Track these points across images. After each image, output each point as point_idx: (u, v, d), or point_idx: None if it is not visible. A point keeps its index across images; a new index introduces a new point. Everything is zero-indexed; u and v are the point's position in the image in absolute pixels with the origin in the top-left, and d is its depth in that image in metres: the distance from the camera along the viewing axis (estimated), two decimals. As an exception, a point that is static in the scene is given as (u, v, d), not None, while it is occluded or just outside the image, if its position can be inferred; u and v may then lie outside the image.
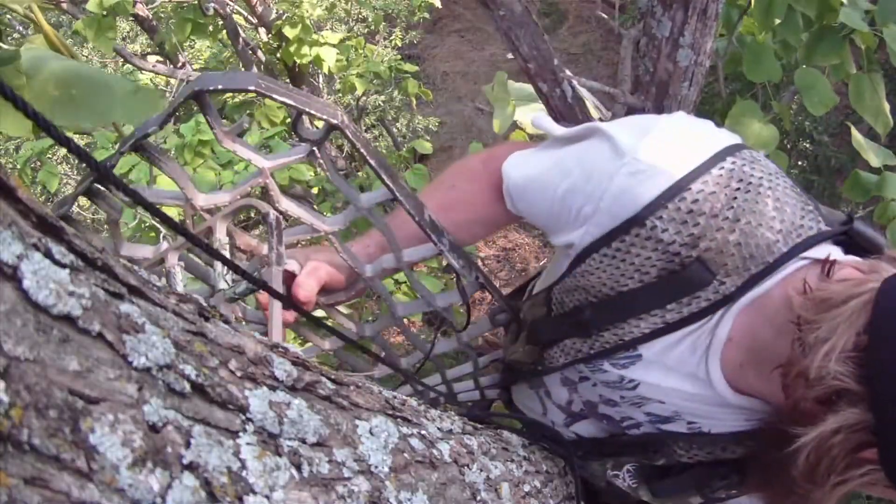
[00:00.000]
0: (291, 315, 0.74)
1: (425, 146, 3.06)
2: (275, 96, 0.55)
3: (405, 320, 0.84)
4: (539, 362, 0.84)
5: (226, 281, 0.69)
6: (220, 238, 0.67)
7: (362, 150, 0.60)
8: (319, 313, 0.90)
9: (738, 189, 0.64)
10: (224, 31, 2.87)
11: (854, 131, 1.55)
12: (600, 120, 1.12)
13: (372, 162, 0.61)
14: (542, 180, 0.75)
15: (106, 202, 0.63)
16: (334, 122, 0.58)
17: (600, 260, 0.68)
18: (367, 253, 0.79)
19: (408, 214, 0.66)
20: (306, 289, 0.73)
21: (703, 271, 0.64)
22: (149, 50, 4.30)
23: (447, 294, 0.80)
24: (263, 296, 0.74)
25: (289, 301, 0.57)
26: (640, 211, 0.64)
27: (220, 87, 0.56)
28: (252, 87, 0.55)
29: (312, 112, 0.57)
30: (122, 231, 0.73)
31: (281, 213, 0.67)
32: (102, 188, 0.62)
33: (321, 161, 0.63)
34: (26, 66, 0.53)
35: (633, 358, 0.73)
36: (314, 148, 0.62)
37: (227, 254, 0.68)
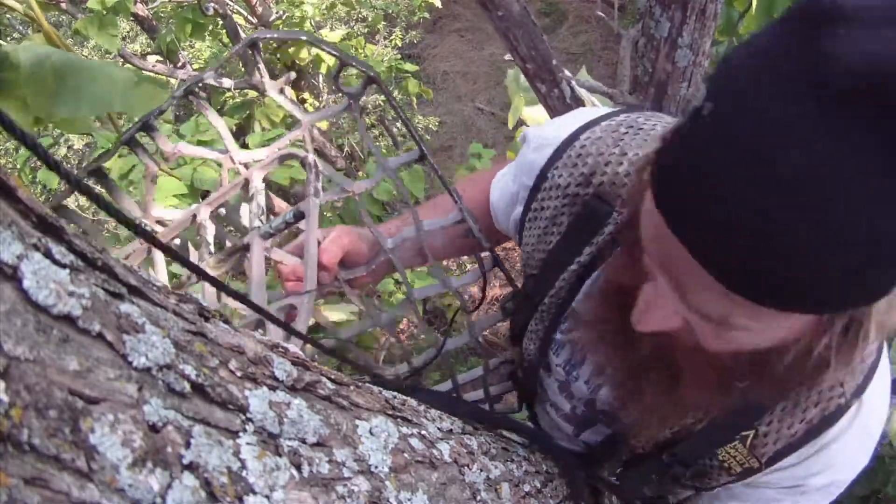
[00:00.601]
0: (329, 258, 0.76)
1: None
2: (323, 47, 0.70)
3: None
4: (523, 360, 0.84)
5: (260, 220, 0.73)
6: (257, 186, 0.73)
7: (393, 103, 0.70)
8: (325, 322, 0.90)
9: (626, 133, 0.67)
10: (224, 31, 2.87)
11: None
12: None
13: (402, 116, 0.70)
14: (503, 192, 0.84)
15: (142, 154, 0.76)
16: (372, 73, 0.69)
17: (528, 227, 0.74)
18: (389, 233, 0.82)
19: (432, 170, 0.72)
20: (330, 253, 0.76)
21: (601, 204, 0.66)
22: (149, 50, 4.29)
23: (462, 277, 0.82)
24: (285, 268, 0.77)
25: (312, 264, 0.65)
26: (542, 169, 0.71)
27: (274, 36, 0.81)
28: (304, 38, 0.71)
29: (354, 64, 0.68)
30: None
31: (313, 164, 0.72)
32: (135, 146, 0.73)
33: (356, 115, 0.71)
34: (25, 62, 0.53)
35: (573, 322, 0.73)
36: (352, 101, 0.71)
37: (262, 200, 0.73)
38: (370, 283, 0.90)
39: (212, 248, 0.75)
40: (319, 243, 0.77)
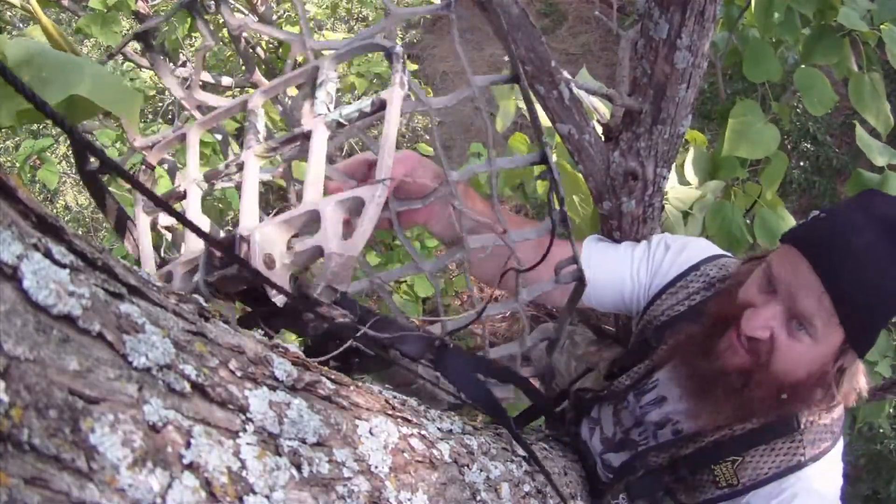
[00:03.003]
0: (402, 165, 0.76)
1: (426, 148, 3.06)
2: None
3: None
4: (604, 388, 1.06)
5: (328, 107, 0.65)
6: (328, 74, 0.66)
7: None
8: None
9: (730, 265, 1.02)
10: (225, 30, 2.86)
11: (859, 129, 1.55)
12: (598, 121, 1.12)
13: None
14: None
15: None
16: None
17: (665, 297, 0.99)
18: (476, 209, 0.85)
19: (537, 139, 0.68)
20: (394, 169, 0.75)
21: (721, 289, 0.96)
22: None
23: (519, 232, 0.77)
24: (331, 184, 0.75)
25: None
26: (697, 262, 0.98)
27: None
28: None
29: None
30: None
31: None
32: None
33: (453, 15, 0.65)
34: (12, 56, 0.53)
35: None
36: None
37: (332, 89, 0.66)
38: (419, 224, 0.89)
39: (261, 136, 0.68)
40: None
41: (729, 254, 1.03)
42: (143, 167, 0.75)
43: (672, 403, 0.99)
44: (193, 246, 0.65)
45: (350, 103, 0.65)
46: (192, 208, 0.69)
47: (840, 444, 0.92)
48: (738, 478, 0.91)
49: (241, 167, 0.67)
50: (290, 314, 0.59)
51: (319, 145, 0.62)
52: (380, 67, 2.93)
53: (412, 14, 0.68)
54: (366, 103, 0.63)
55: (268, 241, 0.57)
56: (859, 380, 0.88)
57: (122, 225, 0.75)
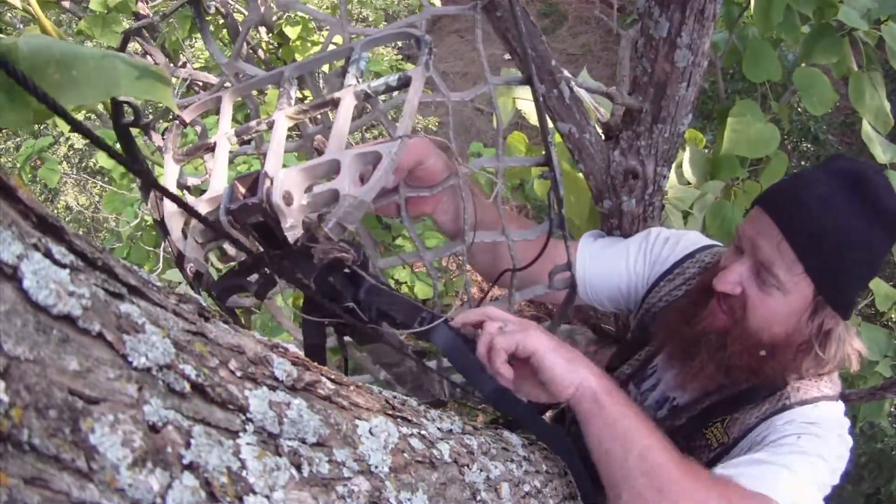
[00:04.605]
0: (404, 159, 0.76)
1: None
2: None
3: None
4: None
5: (356, 79, 0.72)
6: (362, 55, 0.73)
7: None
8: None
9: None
10: (224, 31, 2.86)
11: (864, 125, 1.54)
12: (598, 120, 1.12)
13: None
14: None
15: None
16: None
17: (664, 285, 1.03)
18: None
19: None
20: (405, 154, 0.77)
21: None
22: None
23: (520, 232, 0.82)
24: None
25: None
26: (694, 250, 1.03)
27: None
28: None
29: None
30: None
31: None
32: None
33: (478, 17, 0.74)
34: (27, 54, 0.52)
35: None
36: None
37: (363, 65, 0.73)
38: (426, 213, 0.91)
39: (293, 101, 0.75)
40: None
41: (721, 244, 1.07)
42: (177, 122, 0.80)
43: (666, 381, 1.03)
44: (217, 184, 0.72)
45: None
46: (220, 159, 0.76)
47: (838, 407, 0.91)
48: (728, 434, 0.93)
49: (271, 125, 0.73)
50: (299, 253, 0.62)
51: (347, 108, 0.68)
52: (379, 66, 2.93)
53: (443, 12, 0.74)
54: (393, 77, 0.69)
55: (289, 181, 0.63)
56: (853, 343, 0.89)
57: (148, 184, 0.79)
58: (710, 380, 0.92)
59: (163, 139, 0.80)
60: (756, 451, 0.85)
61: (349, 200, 0.61)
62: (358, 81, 0.70)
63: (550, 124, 1.03)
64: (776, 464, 0.80)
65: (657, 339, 1.02)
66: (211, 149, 0.78)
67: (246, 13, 3.10)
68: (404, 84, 0.67)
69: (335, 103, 0.69)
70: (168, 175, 0.78)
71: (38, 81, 0.56)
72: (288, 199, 0.62)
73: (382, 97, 0.71)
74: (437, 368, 0.88)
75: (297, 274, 0.61)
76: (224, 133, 0.77)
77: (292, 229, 0.61)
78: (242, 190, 0.63)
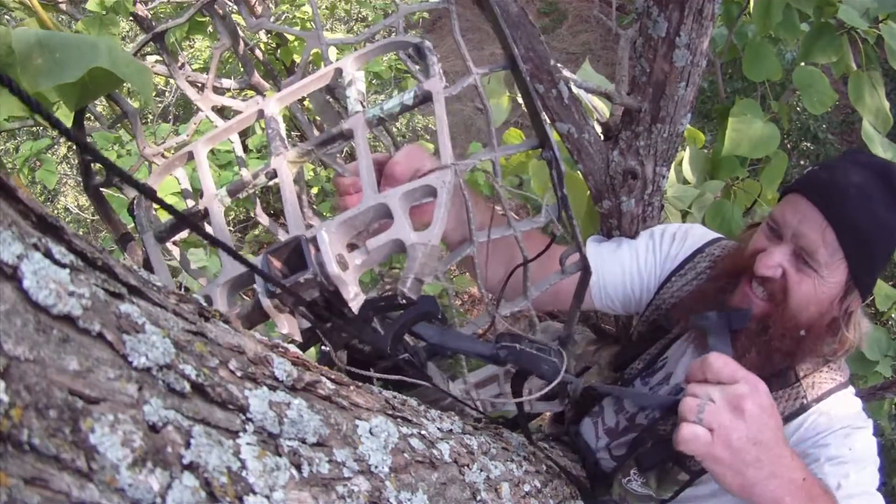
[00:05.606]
0: (402, 170, 0.75)
1: (426, 147, 3.06)
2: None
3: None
4: (617, 379, 1.12)
5: (362, 105, 0.64)
6: (354, 73, 0.64)
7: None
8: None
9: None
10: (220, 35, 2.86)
11: (865, 124, 1.55)
12: (597, 120, 1.12)
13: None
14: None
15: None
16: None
17: (676, 279, 1.04)
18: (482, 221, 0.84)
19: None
20: (401, 166, 0.76)
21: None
22: (148, 50, 4.29)
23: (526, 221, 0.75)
24: (345, 180, 0.73)
25: None
26: (703, 244, 1.05)
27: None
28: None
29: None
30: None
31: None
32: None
33: (452, 7, 0.62)
34: (17, 45, 0.53)
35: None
36: None
37: (362, 87, 0.64)
38: (426, 223, 0.88)
39: (287, 141, 0.65)
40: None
41: (726, 237, 1.10)
42: (145, 201, 0.70)
43: (680, 374, 1.03)
44: (231, 266, 0.60)
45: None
46: (218, 225, 0.65)
47: (851, 391, 0.95)
48: None
49: (270, 176, 0.64)
50: (359, 321, 0.56)
51: (363, 141, 0.60)
52: (378, 66, 2.93)
53: (418, 9, 0.67)
54: (407, 96, 0.61)
55: (336, 243, 0.54)
56: (863, 323, 0.94)
57: (127, 239, 0.74)
58: (751, 366, 0.91)
59: (133, 218, 0.69)
60: (817, 467, 0.88)
61: (420, 250, 0.52)
62: (363, 105, 0.63)
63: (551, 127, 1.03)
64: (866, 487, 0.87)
65: (680, 326, 1.03)
66: (203, 215, 0.67)
67: (245, 13, 3.09)
68: (421, 101, 0.60)
69: (345, 136, 0.61)
70: (153, 259, 0.67)
71: (25, 68, 0.56)
72: (342, 263, 0.53)
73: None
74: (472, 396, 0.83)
75: (363, 342, 0.56)
76: (213, 195, 0.66)
77: (356, 298, 0.53)
78: (278, 264, 0.54)
